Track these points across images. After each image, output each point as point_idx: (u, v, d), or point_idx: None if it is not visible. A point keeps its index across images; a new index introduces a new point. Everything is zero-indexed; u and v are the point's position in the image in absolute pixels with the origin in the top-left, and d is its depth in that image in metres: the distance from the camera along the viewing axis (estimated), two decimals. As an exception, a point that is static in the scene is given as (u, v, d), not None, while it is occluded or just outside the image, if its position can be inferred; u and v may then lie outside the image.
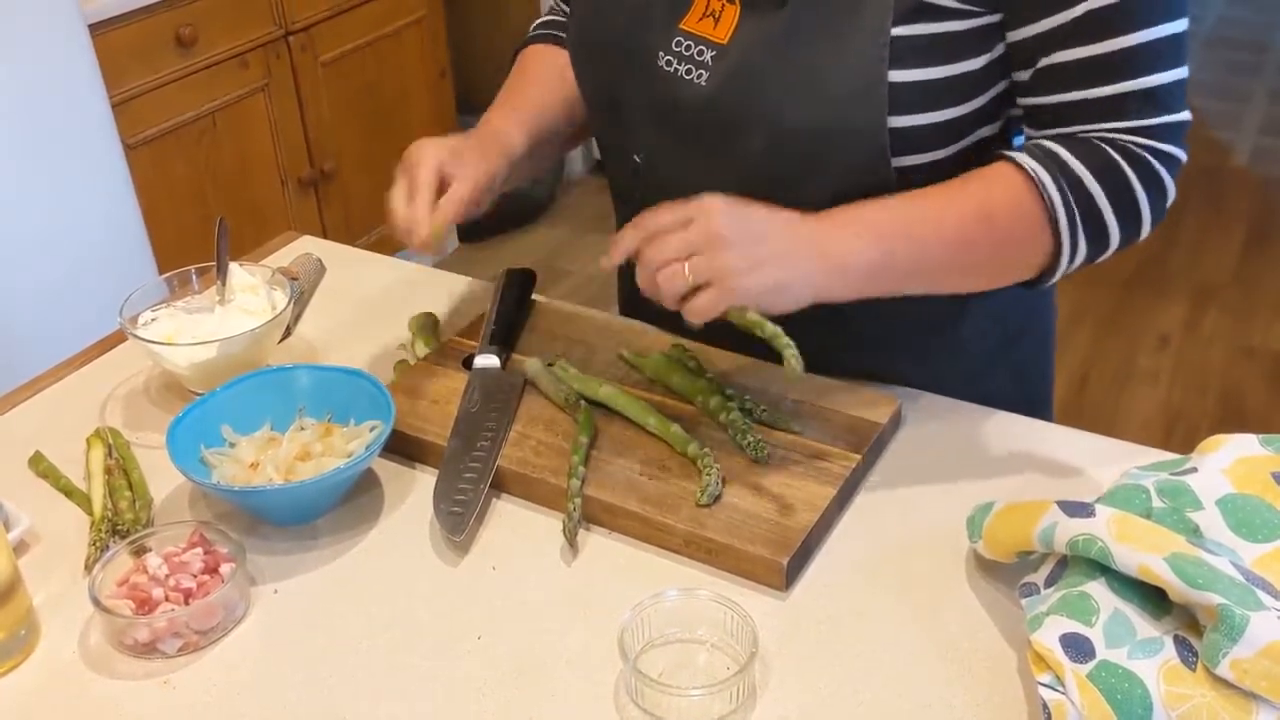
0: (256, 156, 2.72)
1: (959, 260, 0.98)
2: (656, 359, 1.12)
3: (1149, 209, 0.98)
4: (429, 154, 1.08)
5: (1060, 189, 0.95)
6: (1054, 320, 1.27)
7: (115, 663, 0.89)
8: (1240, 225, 3.53)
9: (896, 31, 0.95)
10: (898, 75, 0.96)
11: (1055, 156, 0.96)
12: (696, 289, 0.92)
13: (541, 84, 1.21)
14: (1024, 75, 0.98)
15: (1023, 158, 0.97)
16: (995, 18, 0.97)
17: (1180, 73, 0.96)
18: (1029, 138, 1.01)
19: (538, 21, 1.29)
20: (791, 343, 0.94)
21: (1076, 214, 0.96)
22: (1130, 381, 2.92)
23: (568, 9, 1.24)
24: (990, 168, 0.98)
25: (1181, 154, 0.98)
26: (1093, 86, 0.95)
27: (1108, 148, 0.96)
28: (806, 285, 0.94)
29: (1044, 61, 0.96)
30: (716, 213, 0.93)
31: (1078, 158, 0.96)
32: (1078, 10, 0.93)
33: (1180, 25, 0.95)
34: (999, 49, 0.99)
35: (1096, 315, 3.11)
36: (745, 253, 0.92)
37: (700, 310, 0.92)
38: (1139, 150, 0.96)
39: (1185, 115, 0.97)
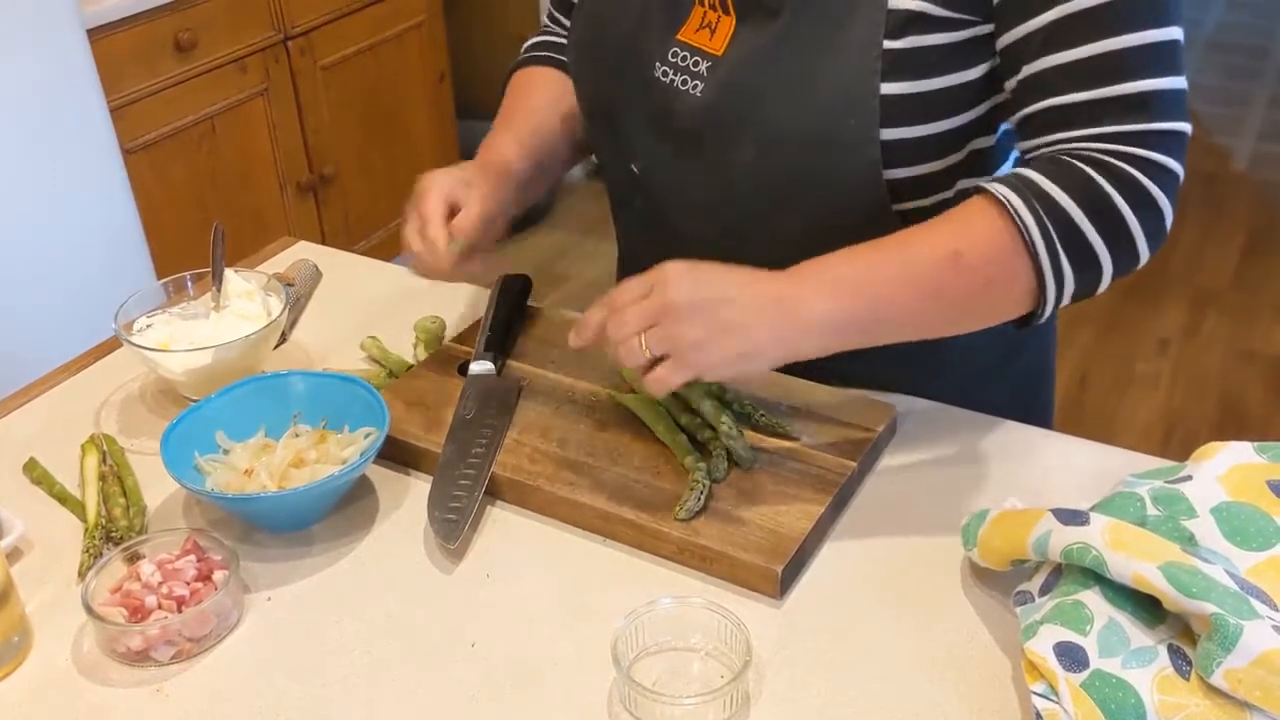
0: (255, 161, 2.72)
1: (933, 305, 0.93)
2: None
3: (1139, 227, 0.91)
4: (435, 183, 1.09)
5: (1034, 212, 0.90)
6: (1054, 338, 1.26)
7: (108, 670, 0.89)
8: (1240, 230, 3.53)
9: (888, 44, 0.95)
10: (889, 88, 0.96)
11: (1029, 181, 0.92)
12: (657, 360, 0.91)
13: (539, 106, 1.21)
14: (1011, 84, 0.96)
15: (995, 186, 0.93)
16: (987, 28, 0.96)
17: (1173, 81, 0.91)
18: (1021, 152, 0.98)
19: (531, 41, 1.28)
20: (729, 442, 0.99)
21: (1055, 237, 0.91)
22: (1130, 386, 2.91)
23: (566, 21, 1.23)
24: (963, 205, 0.94)
25: (1177, 166, 0.92)
26: (1074, 92, 0.91)
27: (1085, 166, 0.91)
28: (772, 348, 0.91)
29: (1026, 70, 0.94)
30: (673, 282, 0.90)
31: (1052, 179, 0.91)
32: (1051, 15, 0.91)
33: (1168, 33, 0.90)
34: (994, 59, 0.98)
35: (1096, 319, 3.11)
36: (703, 323, 0.89)
37: (659, 381, 0.91)
38: (1122, 165, 0.90)
39: (1182, 125, 0.92)
